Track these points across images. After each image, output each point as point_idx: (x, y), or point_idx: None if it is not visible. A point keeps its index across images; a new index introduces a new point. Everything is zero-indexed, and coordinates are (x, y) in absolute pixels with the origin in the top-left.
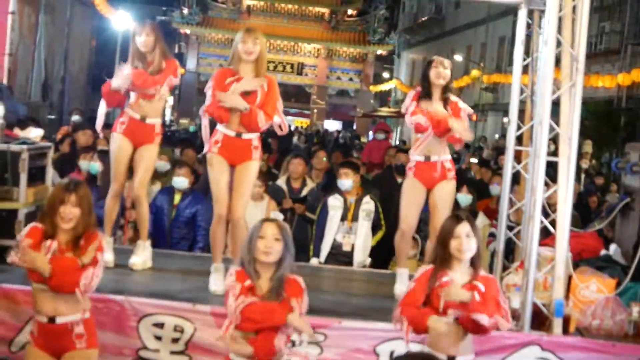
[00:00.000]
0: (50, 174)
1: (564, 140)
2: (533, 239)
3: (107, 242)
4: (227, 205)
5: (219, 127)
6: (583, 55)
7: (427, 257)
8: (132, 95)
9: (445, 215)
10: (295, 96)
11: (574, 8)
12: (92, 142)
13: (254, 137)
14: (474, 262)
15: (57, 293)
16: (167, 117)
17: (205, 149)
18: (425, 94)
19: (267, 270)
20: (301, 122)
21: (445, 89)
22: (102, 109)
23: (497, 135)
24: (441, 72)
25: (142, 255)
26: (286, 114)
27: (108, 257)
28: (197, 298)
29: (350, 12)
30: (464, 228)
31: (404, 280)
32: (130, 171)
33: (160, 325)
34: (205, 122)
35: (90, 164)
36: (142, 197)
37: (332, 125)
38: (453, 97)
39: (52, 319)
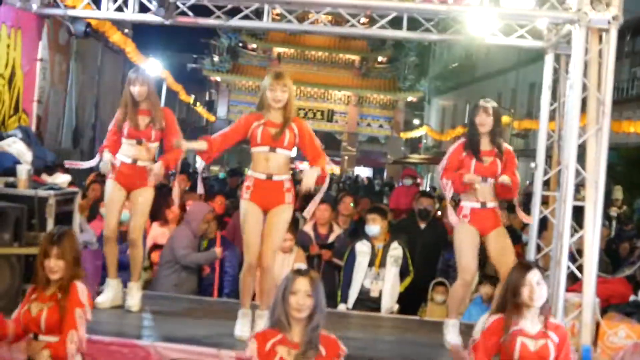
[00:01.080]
0: (78, 219)
1: (590, 185)
2: (560, 285)
3: (130, 287)
4: (257, 254)
5: (250, 171)
6: (609, 98)
7: (493, 306)
8: (125, 141)
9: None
10: (325, 143)
11: (600, 51)
12: None
13: (286, 180)
14: (543, 310)
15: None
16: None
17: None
18: (471, 143)
19: (299, 323)
20: (332, 170)
21: (494, 136)
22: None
23: (527, 182)
24: (483, 119)
25: (137, 297)
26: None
27: (133, 301)
28: (222, 343)
29: (380, 59)
30: (534, 276)
31: (455, 332)
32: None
33: None
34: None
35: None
36: (137, 240)
37: (363, 172)
38: (507, 146)
39: None
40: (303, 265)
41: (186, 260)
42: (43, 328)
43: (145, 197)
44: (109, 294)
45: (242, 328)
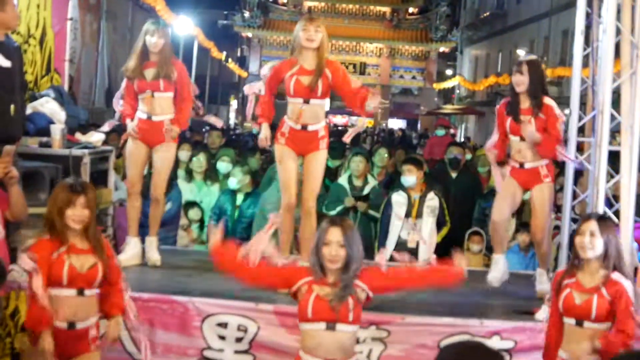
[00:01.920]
0: (113, 177)
1: (625, 130)
2: None
3: (149, 242)
4: (296, 193)
5: (286, 117)
6: None
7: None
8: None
9: (549, 215)
10: None
11: None
12: None
13: (320, 128)
14: (606, 264)
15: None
16: (232, 120)
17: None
18: (511, 105)
19: (334, 273)
20: (369, 122)
21: (533, 94)
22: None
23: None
24: (517, 79)
25: (157, 252)
26: (350, 114)
27: (154, 255)
28: (260, 297)
29: (411, 10)
30: (589, 226)
31: (498, 268)
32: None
33: (224, 325)
34: (251, 98)
35: None
36: (160, 197)
37: (397, 124)
38: (548, 101)
39: (72, 325)
40: None
41: None
42: (96, 283)
43: (164, 153)
44: (131, 251)
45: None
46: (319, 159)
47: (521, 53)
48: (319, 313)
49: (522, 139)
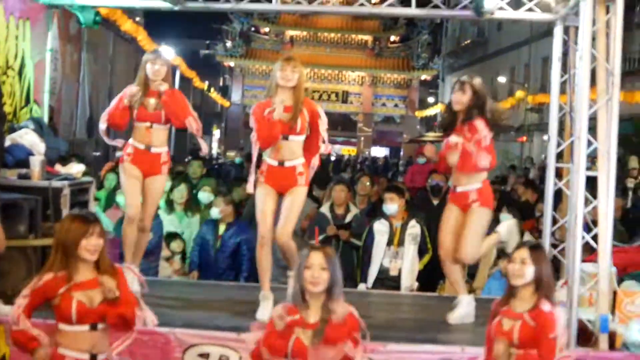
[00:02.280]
0: (93, 209)
1: (602, 155)
2: (575, 255)
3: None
4: (271, 227)
5: (265, 156)
6: (619, 69)
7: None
8: (136, 125)
9: (473, 239)
10: (341, 124)
11: (607, 22)
12: None
13: (299, 164)
14: (539, 291)
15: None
16: (214, 150)
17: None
18: (448, 121)
19: (317, 299)
20: (348, 151)
21: (468, 114)
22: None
23: (543, 156)
24: (456, 98)
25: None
26: (333, 142)
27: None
28: (242, 327)
29: (393, 38)
30: (520, 254)
31: (459, 309)
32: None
33: (206, 356)
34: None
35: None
36: (147, 228)
37: (379, 152)
38: (477, 123)
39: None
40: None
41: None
42: (106, 316)
43: (158, 185)
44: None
45: (264, 311)
46: (298, 195)
47: (502, 80)
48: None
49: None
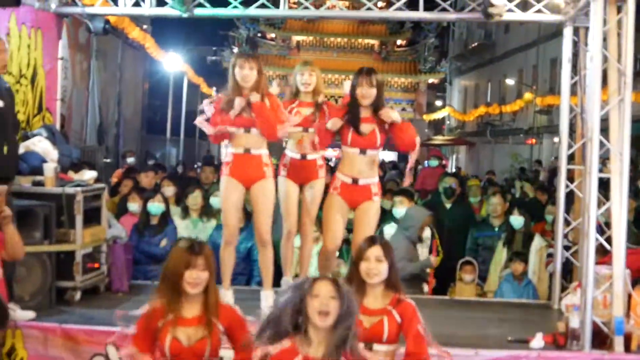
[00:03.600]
0: (106, 215)
1: (615, 156)
2: (589, 257)
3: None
4: (297, 221)
5: (287, 150)
6: (630, 69)
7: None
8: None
9: (365, 234)
10: None
11: (619, 22)
12: (156, 184)
13: (318, 157)
14: (390, 286)
15: None
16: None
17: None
18: (352, 115)
19: (321, 335)
20: None
21: (375, 106)
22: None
23: (553, 157)
24: (364, 92)
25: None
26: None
27: None
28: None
29: (399, 42)
30: (373, 251)
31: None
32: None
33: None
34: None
35: (157, 205)
36: (268, 242)
37: (388, 156)
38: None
39: None
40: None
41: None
42: (204, 358)
43: (266, 191)
44: None
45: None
46: (317, 187)
47: (510, 82)
48: None
49: (363, 151)
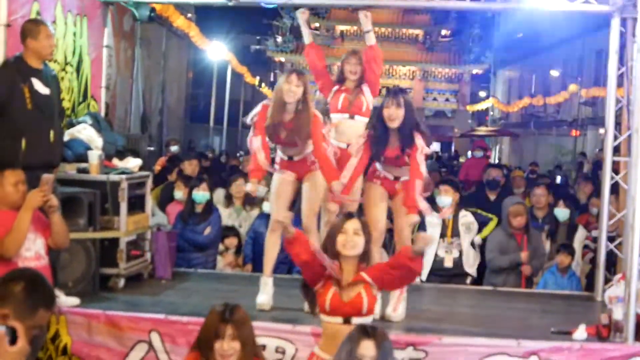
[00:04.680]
0: (150, 202)
1: None
2: (634, 249)
3: (263, 283)
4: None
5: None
6: None
7: None
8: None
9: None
10: None
11: None
12: (199, 172)
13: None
14: (364, 261)
15: None
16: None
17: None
18: (378, 139)
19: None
20: None
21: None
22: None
23: (597, 149)
24: (392, 113)
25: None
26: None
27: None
28: (297, 319)
29: (444, 32)
30: (352, 224)
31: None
32: None
33: (263, 348)
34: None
35: (202, 194)
36: (312, 228)
37: (431, 147)
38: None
39: None
40: None
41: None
42: None
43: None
44: (269, 294)
45: None
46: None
47: (555, 74)
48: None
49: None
